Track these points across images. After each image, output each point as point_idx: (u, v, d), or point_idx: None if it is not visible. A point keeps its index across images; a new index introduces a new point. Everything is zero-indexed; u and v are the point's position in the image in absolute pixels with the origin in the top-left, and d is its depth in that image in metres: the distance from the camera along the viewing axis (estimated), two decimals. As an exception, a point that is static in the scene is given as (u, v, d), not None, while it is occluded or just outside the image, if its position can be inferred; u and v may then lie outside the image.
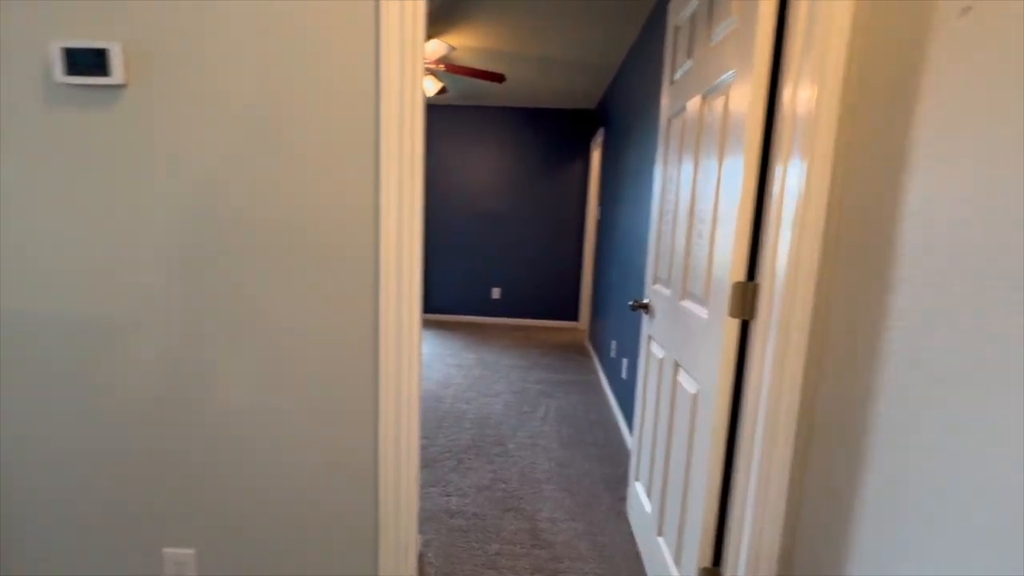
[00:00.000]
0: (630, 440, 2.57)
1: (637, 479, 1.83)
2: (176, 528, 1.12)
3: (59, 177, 1.01)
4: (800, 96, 0.93)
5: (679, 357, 1.41)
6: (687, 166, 1.42)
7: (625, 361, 2.82)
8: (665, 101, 1.69)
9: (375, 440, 1.07)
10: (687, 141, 1.43)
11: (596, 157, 4.91)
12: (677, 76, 1.57)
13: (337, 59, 0.96)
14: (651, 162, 2.42)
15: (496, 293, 5.46)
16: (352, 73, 0.97)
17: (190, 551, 1.12)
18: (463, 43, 3.29)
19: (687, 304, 1.37)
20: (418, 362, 1.05)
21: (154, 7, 0.95)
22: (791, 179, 0.95)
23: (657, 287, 1.67)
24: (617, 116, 3.65)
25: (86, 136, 0.99)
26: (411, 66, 0.96)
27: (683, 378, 1.37)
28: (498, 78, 3.26)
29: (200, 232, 1.01)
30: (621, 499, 2.10)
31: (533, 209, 5.32)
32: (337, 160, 0.99)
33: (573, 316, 5.47)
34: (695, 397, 1.26)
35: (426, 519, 1.93)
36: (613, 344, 3.29)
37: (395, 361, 1.02)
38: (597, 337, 4.16)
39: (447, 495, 2.11)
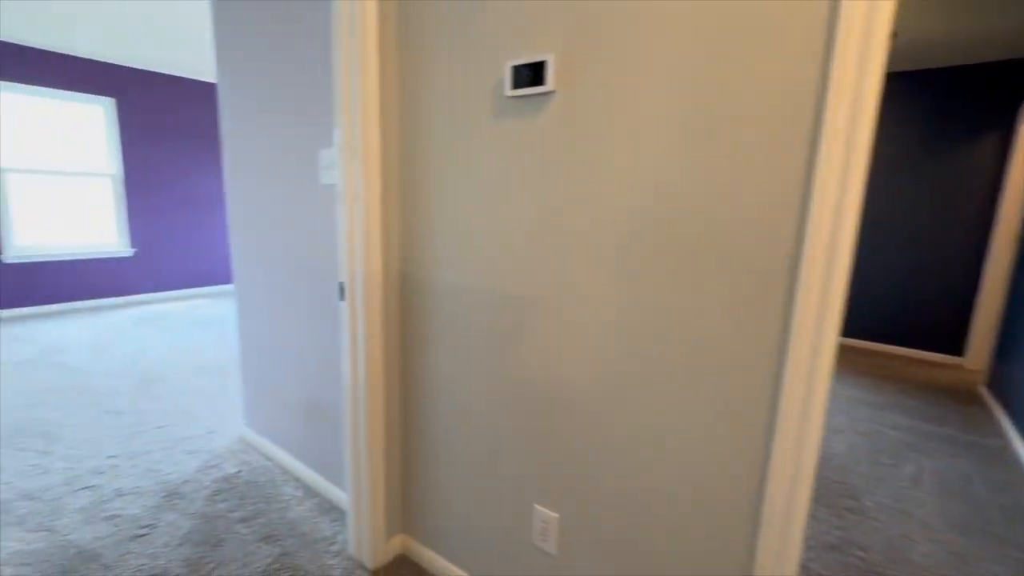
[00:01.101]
0: (1097, 559, 1.66)
1: None
2: (548, 493, 1.24)
3: (500, 176, 1.22)
4: None
5: None
6: None
7: (1093, 435, 1.84)
8: None
9: (762, 476, 0.92)
10: None
11: (1032, 128, 3.41)
12: None
13: (772, 52, 0.84)
14: None
15: (832, 306, 4.49)
16: (790, 64, 0.82)
17: (555, 515, 1.23)
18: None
19: None
20: (826, 393, 0.85)
21: (583, 19, 1.02)
22: None
23: None
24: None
25: (520, 140, 1.16)
26: (874, 65, 0.75)
27: None
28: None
29: (618, 228, 1.05)
30: (1091, 650, 1.36)
31: (902, 203, 4.12)
32: (762, 159, 0.87)
33: (955, 349, 4.02)
34: None
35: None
36: (1057, 403, 2.21)
37: (803, 389, 0.84)
38: (1009, 385, 2.92)
39: (781, 539, 1.79)
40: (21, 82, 4.44)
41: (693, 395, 0.99)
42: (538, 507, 1.26)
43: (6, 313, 4.57)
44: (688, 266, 0.96)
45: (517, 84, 1.12)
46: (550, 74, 1.07)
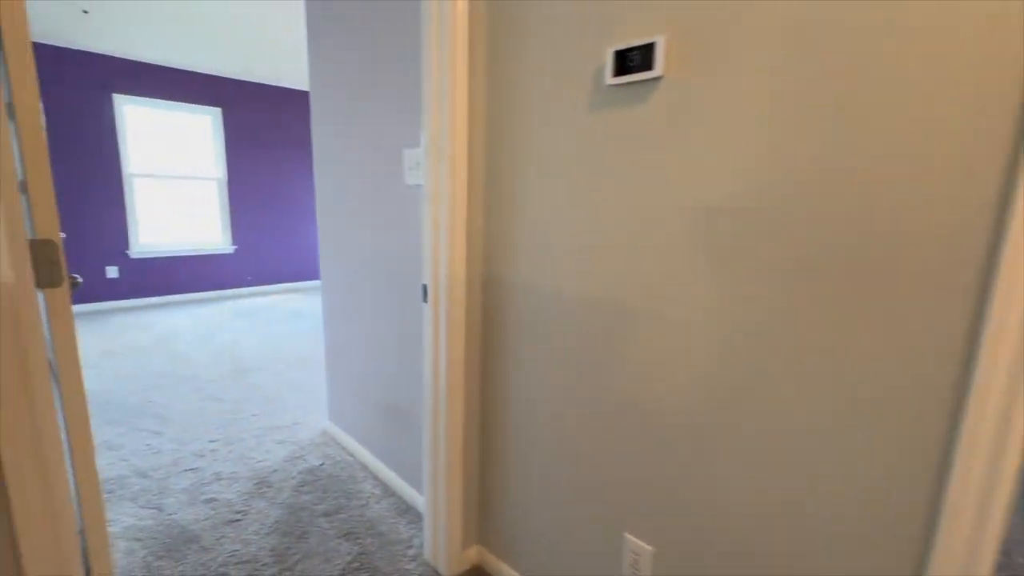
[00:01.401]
0: None
1: None
2: (641, 522, 1.13)
3: (595, 173, 1.12)
4: None
5: None
6: None
7: None
8: None
9: (926, 551, 0.76)
10: None
11: None
12: None
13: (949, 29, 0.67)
14: None
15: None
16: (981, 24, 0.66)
17: (649, 548, 1.11)
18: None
19: None
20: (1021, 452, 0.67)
21: (696, -10, 0.90)
22: None
23: None
24: None
25: (620, 133, 1.06)
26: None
27: None
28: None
29: (735, 228, 0.92)
30: None
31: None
32: (933, 151, 0.71)
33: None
34: None
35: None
36: None
37: (992, 432, 0.67)
38: None
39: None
40: (143, 95, 4.95)
41: (829, 430, 0.83)
42: (629, 536, 1.15)
43: (129, 303, 5.14)
44: (826, 275, 0.81)
45: (620, 71, 1.02)
46: (659, 57, 0.95)
